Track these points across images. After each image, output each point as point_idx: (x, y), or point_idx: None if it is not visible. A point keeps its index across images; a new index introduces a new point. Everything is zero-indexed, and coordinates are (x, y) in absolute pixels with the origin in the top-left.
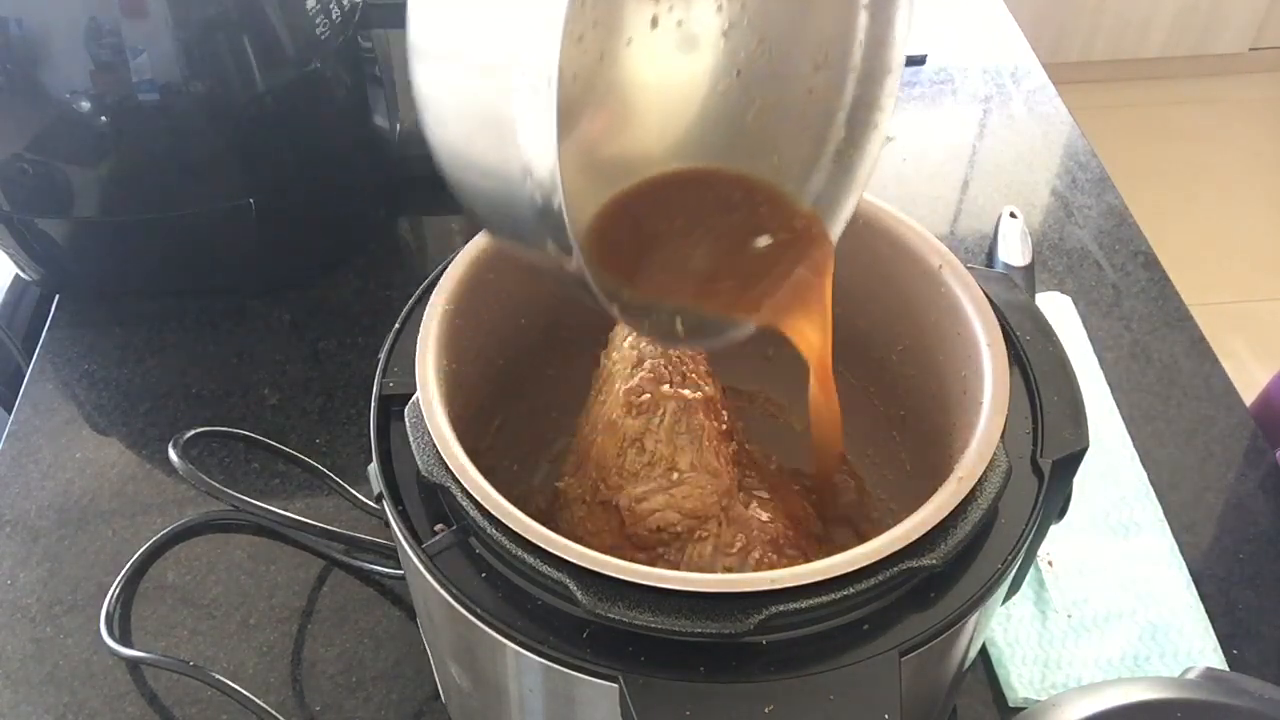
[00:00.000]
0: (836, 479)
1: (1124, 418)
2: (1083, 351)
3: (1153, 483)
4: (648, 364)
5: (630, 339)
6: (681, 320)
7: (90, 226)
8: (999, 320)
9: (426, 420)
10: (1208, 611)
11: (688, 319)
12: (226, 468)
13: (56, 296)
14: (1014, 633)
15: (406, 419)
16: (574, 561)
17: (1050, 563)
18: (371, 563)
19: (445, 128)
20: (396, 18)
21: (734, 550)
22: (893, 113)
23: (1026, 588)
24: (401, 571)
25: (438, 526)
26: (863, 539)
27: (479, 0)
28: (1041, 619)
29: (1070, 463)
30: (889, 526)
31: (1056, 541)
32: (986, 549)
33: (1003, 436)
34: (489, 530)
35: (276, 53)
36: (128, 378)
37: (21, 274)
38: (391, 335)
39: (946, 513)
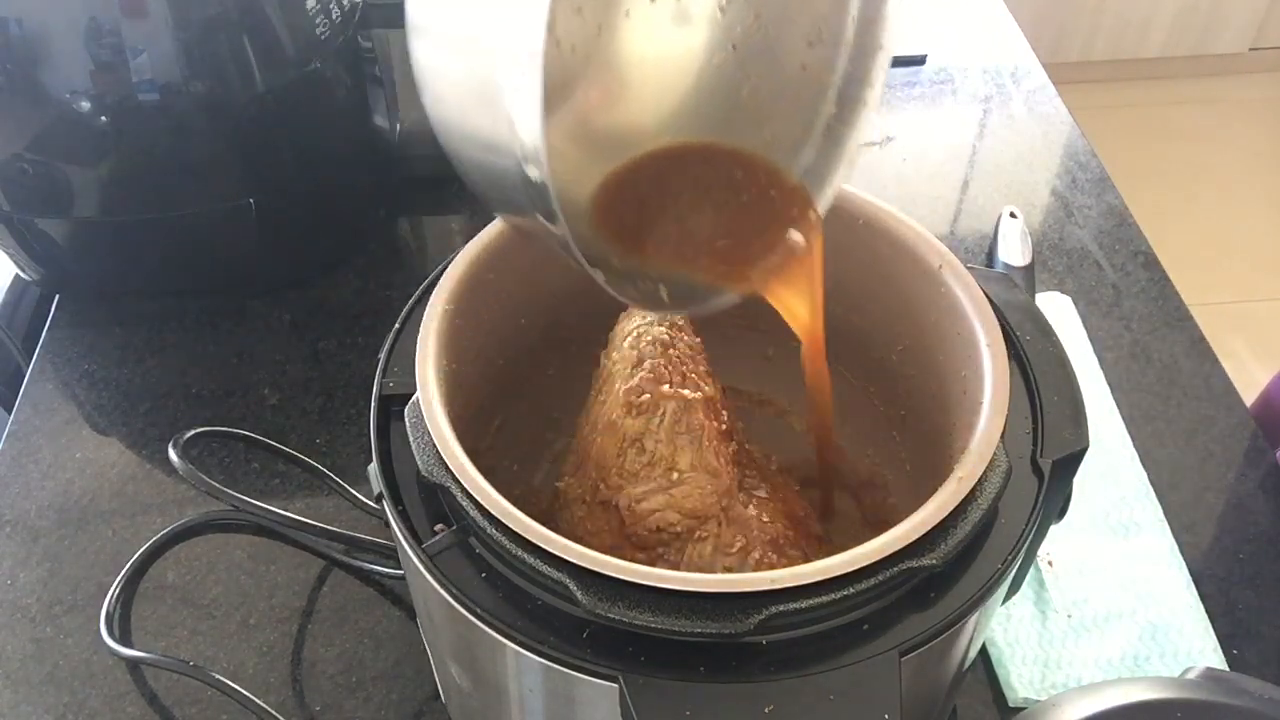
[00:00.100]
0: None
1: (1124, 418)
2: (1083, 351)
3: (1153, 483)
4: (648, 364)
5: (630, 339)
6: (666, 288)
7: (90, 226)
8: (999, 320)
9: (426, 420)
10: (1208, 611)
11: (673, 286)
12: (226, 468)
13: (56, 296)
14: (1014, 633)
15: (406, 419)
16: (574, 561)
17: (1050, 563)
18: (371, 563)
19: (442, 102)
20: (396, 18)
21: (734, 550)
22: (882, 89)
23: (1026, 588)
24: (401, 571)
25: (438, 526)
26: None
27: None
28: (1041, 619)
29: (1070, 463)
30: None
31: (1056, 541)
32: (986, 549)
33: (1003, 436)
34: (489, 530)
35: (276, 53)
36: (128, 378)
37: (21, 274)
38: (391, 335)
39: (946, 513)
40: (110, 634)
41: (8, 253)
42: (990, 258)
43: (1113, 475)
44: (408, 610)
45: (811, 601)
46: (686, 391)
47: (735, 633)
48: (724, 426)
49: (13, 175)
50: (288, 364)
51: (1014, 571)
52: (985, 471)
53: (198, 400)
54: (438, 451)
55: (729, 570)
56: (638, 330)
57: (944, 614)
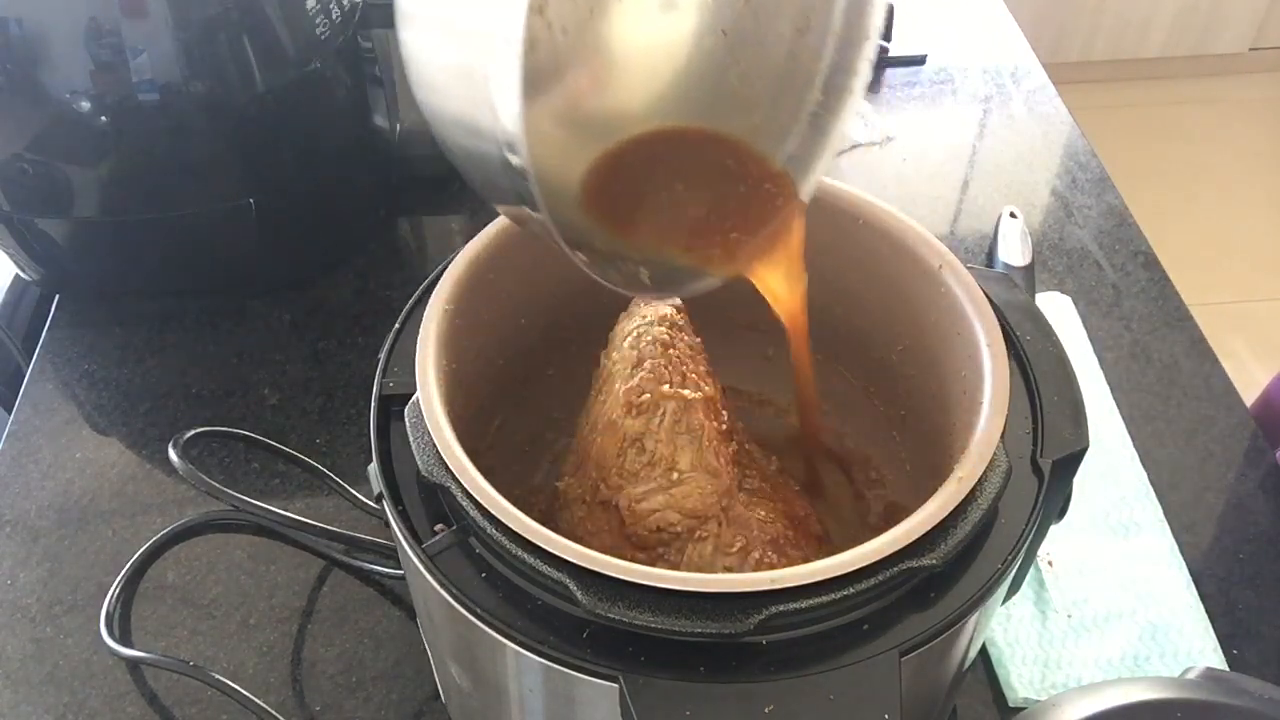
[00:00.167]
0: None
1: (1124, 418)
2: (1083, 351)
3: (1153, 483)
4: (648, 364)
5: (630, 339)
6: (648, 271)
7: (90, 226)
8: (999, 320)
9: (426, 420)
10: (1208, 611)
11: (656, 270)
12: (226, 468)
13: (56, 296)
14: (1014, 633)
15: (406, 419)
16: (574, 561)
17: (1050, 563)
18: (371, 563)
19: (429, 88)
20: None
21: (734, 550)
22: (867, 79)
23: (1026, 588)
24: (401, 571)
25: (438, 526)
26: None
27: None
28: (1041, 619)
29: (1070, 463)
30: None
31: (1056, 541)
32: (986, 549)
33: (1003, 436)
34: (489, 530)
35: (276, 53)
36: (128, 378)
37: (21, 274)
38: (391, 335)
39: (946, 513)
40: (110, 634)
41: (8, 253)
42: (990, 258)
43: (1113, 475)
44: (408, 610)
45: (811, 601)
46: (686, 391)
47: (735, 633)
48: (724, 426)
49: (13, 175)
50: (288, 364)
51: (1014, 571)
52: (985, 471)
53: (198, 400)
54: (438, 451)
55: (729, 570)
56: (638, 330)
57: (944, 614)
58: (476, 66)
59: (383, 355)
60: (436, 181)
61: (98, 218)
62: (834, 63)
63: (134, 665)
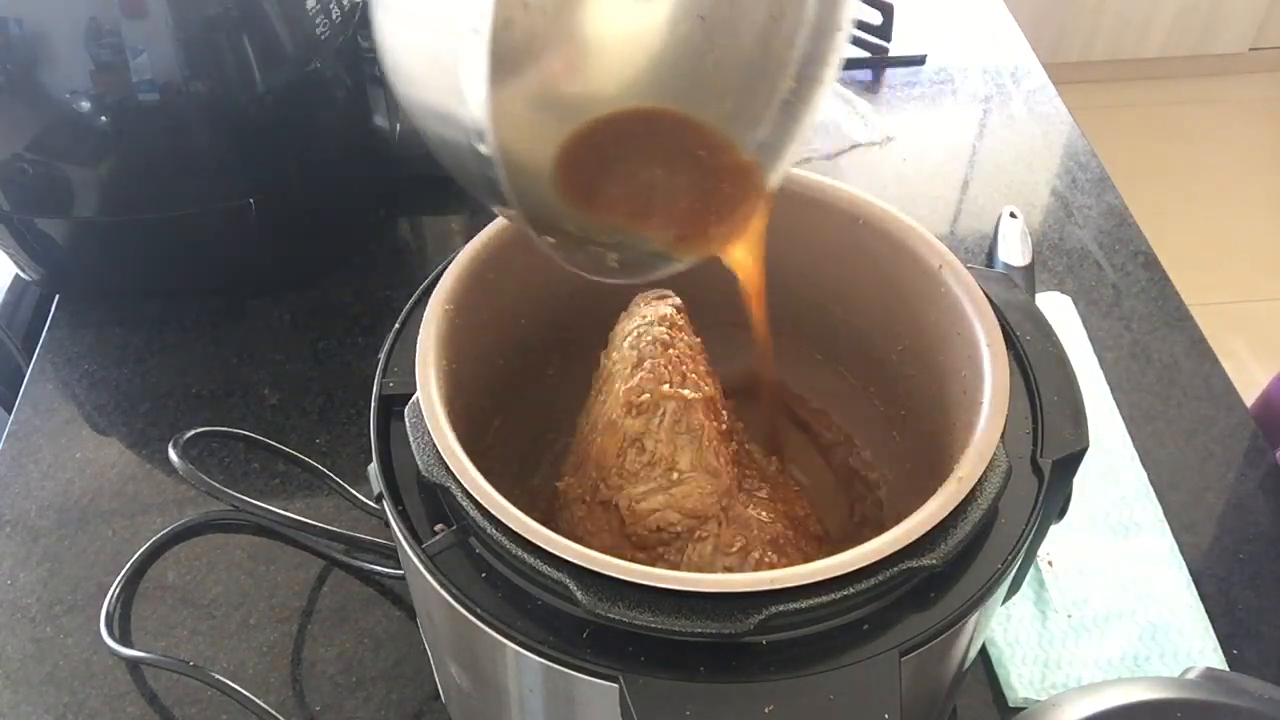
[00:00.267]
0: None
1: (1124, 418)
2: (1083, 351)
3: (1153, 483)
4: (648, 364)
5: (630, 339)
6: (617, 255)
7: (90, 226)
8: (999, 320)
9: (426, 420)
10: (1208, 611)
11: (624, 254)
12: (226, 468)
13: (56, 296)
14: (1014, 633)
15: (406, 419)
16: (574, 561)
17: (1050, 563)
18: (371, 563)
19: (405, 79)
20: None
21: (734, 550)
22: (838, 70)
23: (1026, 588)
24: (401, 571)
25: (438, 526)
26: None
27: None
28: (1041, 619)
29: (1070, 463)
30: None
31: (1056, 541)
32: (986, 549)
33: (1003, 436)
34: (489, 530)
35: (276, 53)
36: (128, 378)
37: (21, 274)
38: (391, 335)
39: (946, 513)
40: (110, 634)
41: (8, 253)
42: (990, 258)
43: (1113, 475)
44: (408, 610)
45: (811, 601)
46: (686, 391)
47: (735, 633)
48: (724, 426)
49: (13, 175)
50: (288, 364)
51: (1014, 571)
52: (985, 471)
53: (198, 400)
54: (438, 451)
55: (729, 570)
56: (638, 330)
57: (944, 614)
58: (446, 54)
59: (383, 355)
60: (436, 181)
61: (98, 218)
62: (806, 52)
63: (134, 665)
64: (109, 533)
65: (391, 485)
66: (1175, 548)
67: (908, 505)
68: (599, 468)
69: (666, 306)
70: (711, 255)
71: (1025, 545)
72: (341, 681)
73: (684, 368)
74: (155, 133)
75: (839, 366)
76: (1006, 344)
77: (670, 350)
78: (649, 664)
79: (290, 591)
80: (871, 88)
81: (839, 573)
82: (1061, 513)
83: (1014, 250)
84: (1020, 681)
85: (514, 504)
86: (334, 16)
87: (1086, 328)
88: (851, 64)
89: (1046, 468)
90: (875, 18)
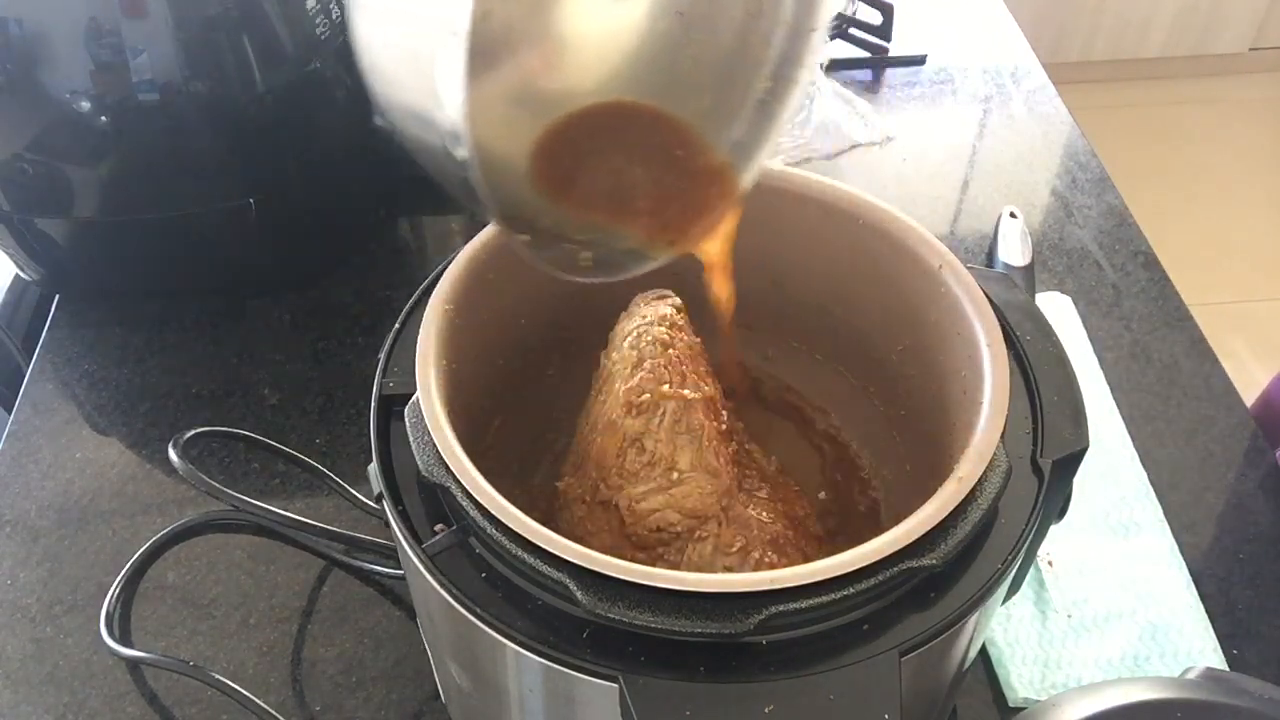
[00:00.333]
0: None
1: (1124, 418)
2: (1083, 351)
3: (1153, 483)
4: (648, 364)
5: (630, 339)
6: (589, 254)
7: (90, 226)
8: (999, 320)
9: (426, 420)
10: (1208, 611)
11: (598, 252)
12: (226, 468)
13: (56, 296)
14: (1014, 633)
15: (406, 419)
16: (574, 561)
17: (1050, 563)
18: (371, 563)
19: (381, 79)
20: None
21: (734, 550)
22: (814, 71)
23: (1026, 588)
24: (401, 571)
25: (438, 526)
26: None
27: None
28: (1041, 619)
29: (1070, 463)
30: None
31: (1056, 541)
32: (986, 549)
33: (1003, 436)
34: (489, 530)
35: (276, 53)
36: (128, 378)
37: (21, 274)
38: (391, 335)
39: (946, 513)
40: (110, 634)
41: (8, 253)
42: (990, 258)
43: (1113, 475)
44: (408, 610)
45: (811, 601)
46: (687, 391)
47: (735, 633)
48: (724, 426)
49: (13, 175)
50: (288, 364)
51: (1014, 571)
52: (985, 471)
53: (198, 400)
54: (438, 451)
55: (729, 570)
56: (638, 330)
57: (944, 614)
58: (423, 55)
59: (383, 355)
60: (436, 181)
61: (98, 218)
62: (783, 52)
63: (134, 665)
64: (109, 533)
65: (391, 485)
66: (1175, 548)
67: (908, 505)
68: (599, 468)
69: (666, 306)
70: (684, 253)
71: (1025, 545)
72: (341, 681)
73: (684, 368)
74: (155, 133)
75: (839, 366)
76: (1006, 344)
77: (670, 350)
78: (649, 664)
79: (290, 591)
80: (871, 88)
81: (839, 573)
82: (1061, 513)
83: (1014, 250)
84: (1020, 681)
85: (514, 504)
86: (334, 16)
87: (1086, 328)
88: (852, 64)
89: (1046, 468)
90: (875, 18)
